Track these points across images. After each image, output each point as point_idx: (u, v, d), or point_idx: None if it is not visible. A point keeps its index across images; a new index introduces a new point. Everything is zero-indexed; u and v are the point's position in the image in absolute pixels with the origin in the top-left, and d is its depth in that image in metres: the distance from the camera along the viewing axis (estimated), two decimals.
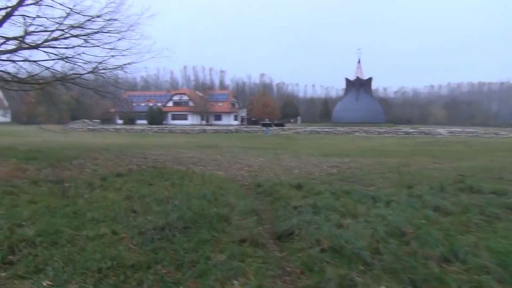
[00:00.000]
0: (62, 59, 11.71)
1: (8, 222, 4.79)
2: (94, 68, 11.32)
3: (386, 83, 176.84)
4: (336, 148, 19.86)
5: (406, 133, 35.40)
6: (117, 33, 11.96)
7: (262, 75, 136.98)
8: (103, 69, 11.62)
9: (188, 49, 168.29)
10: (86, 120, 46.19)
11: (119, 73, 13.29)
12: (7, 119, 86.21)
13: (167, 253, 4.03)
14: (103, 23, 12.06)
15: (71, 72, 11.47)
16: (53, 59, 11.88)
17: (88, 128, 41.14)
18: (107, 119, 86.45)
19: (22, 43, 12.07)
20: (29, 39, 12.24)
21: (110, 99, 15.42)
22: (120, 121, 79.27)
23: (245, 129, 42.17)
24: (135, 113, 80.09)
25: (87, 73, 11.51)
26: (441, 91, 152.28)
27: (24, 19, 11.75)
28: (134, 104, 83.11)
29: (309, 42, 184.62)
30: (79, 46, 11.34)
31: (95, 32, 11.94)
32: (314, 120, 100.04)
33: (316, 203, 6.31)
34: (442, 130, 36.14)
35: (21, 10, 11.77)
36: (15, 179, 8.20)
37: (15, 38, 12.10)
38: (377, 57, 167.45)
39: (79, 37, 12.13)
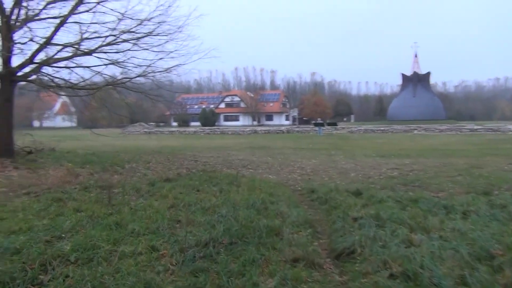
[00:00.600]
0: (113, 63, 11.75)
1: (48, 234, 4.54)
2: (143, 71, 11.23)
3: (445, 77, 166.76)
4: (394, 148, 18.55)
5: (471, 130, 32.74)
6: (165, 35, 11.83)
7: (313, 73, 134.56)
8: (152, 72, 11.51)
9: (239, 51, 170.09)
10: (142, 123, 47.74)
11: (172, 76, 13.22)
12: (74, 124, 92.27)
13: (208, 276, 3.51)
14: (152, 26, 11.98)
15: (122, 76, 11.48)
16: (105, 64, 11.98)
17: (144, 131, 42.46)
18: (163, 122, 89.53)
19: (78, 50, 12.29)
20: (83, 46, 12.46)
21: (161, 102, 15.33)
22: (175, 124, 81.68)
23: (297, 129, 41.36)
24: (188, 115, 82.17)
25: (136, 76, 11.44)
26: (507, 84, 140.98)
27: (80, 26, 11.96)
28: (188, 107, 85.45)
29: (362, 38, 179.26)
30: (128, 50, 11.30)
31: (145, 36, 11.88)
32: (368, 118, 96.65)
33: (379, 214, 5.53)
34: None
35: (75, 18, 11.99)
36: (67, 184, 8.18)
37: (71, 45, 12.35)
38: (434, 50, 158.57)
39: (129, 41, 12.13)
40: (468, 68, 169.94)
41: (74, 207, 6.04)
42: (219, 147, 20.86)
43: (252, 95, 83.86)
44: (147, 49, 11.45)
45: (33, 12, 11.49)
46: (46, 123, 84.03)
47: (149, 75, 11.64)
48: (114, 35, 12.24)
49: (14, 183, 8.43)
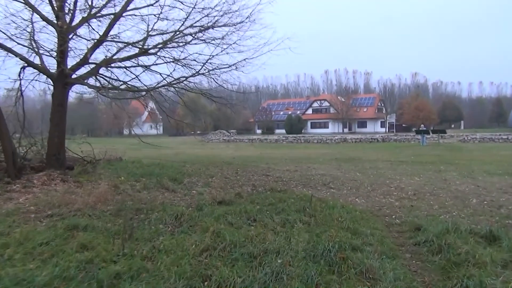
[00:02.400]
0: (174, 61, 10.77)
1: None
2: (203, 69, 9.99)
3: None
4: None
5: None
6: (232, 25, 10.50)
7: (415, 74, 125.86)
8: (214, 69, 10.23)
9: (329, 52, 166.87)
10: (223, 131, 47.99)
11: (239, 77, 11.92)
12: (159, 131, 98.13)
13: None
14: (218, 17, 10.78)
15: (179, 75, 10.40)
16: (166, 62, 11.05)
17: (224, 139, 42.45)
18: (247, 129, 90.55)
19: (142, 48, 11.58)
20: (148, 44, 11.73)
21: (229, 106, 14.14)
22: (259, 131, 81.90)
23: (394, 137, 37.84)
24: (273, 122, 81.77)
25: (195, 74, 10.25)
26: None
27: (147, 21, 11.21)
28: (273, 113, 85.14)
29: (474, 30, 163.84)
30: (187, 43, 10.19)
31: (208, 28, 10.71)
32: (482, 124, 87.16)
33: None
34: None
35: (134, 11, 11.29)
36: (101, 205, 7.16)
37: (133, 44, 11.69)
38: None
39: (193, 35, 11.06)
40: None
41: (82, 242, 4.82)
42: (300, 158, 19.13)
43: (343, 100, 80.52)
44: (209, 43, 10.22)
45: (94, 8, 11.04)
46: (135, 131, 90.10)
47: (212, 72, 10.39)
48: (180, 31, 11.31)
49: (49, 200, 7.66)
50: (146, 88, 10.66)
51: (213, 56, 9.92)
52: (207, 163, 16.08)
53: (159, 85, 10.66)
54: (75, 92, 13.29)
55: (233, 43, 9.77)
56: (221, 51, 9.87)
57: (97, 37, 11.10)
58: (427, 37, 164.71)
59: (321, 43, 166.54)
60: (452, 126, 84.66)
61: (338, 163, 16.44)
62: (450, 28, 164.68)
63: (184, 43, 10.20)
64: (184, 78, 10.39)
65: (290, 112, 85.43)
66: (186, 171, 12.95)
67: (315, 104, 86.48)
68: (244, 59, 9.88)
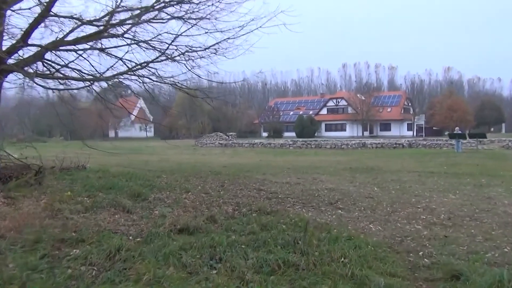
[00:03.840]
0: (137, 43, 9.61)
1: None
2: (168, 48, 8.75)
3: None
4: None
5: None
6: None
7: (448, 69, 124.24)
8: (187, 52, 9.01)
9: (349, 45, 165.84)
10: (219, 134, 46.93)
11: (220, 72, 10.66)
12: (151, 133, 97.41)
13: None
14: None
15: (143, 61, 9.20)
16: (128, 44, 9.91)
17: (220, 143, 41.37)
18: (252, 132, 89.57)
19: (107, 25, 10.47)
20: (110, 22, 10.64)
21: (212, 100, 12.94)
22: (265, 134, 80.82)
23: (423, 142, 36.45)
24: (282, 124, 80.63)
25: (159, 57, 9.03)
26: None
27: None
28: (281, 113, 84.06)
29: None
30: (153, 20, 9.02)
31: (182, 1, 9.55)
32: None
33: None
34: None
35: None
36: (16, 232, 6.02)
37: (91, 23, 10.59)
38: None
39: (164, 11, 9.92)
40: None
41: None
42: (306, 167, 17.91)
43: (363, 98, 79.23)
44: (182, 18, 9.01)
45: None
46: (122, 133, 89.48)
47: (185, 57, 9.19)
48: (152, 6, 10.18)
49: None
50: (101, 77, 9.50)
51: (182, 33, 8.70)
52: (190, 173, 14.96)
53: (119, 72, 9.49)
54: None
55: (211, 17, 8.51)
56: (191, 27, 8.66)
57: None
58: (460, 26, 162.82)
59: (338, 32, 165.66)
60: (492, 129, 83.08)
61: (352, 174, 15.20)
62: (488, 15, 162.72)
63: (152, 19, 9.02)
64: (146, 64, 9.20)
65: (301, 112, 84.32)
66: (158, 183, 11.85)
67: (331, 103, 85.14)
68: (226, 39, 8.67)
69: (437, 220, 7.72)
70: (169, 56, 8.91)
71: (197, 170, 16.42)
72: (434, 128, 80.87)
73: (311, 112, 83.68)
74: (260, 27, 8.62)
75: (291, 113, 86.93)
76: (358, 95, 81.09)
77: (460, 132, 33.31)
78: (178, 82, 9.75)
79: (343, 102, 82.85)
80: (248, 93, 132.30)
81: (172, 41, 8.68)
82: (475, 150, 28.97)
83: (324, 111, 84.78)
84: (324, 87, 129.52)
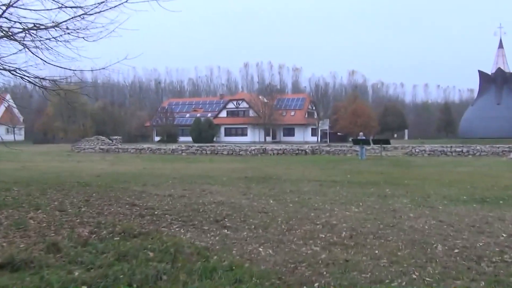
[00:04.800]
0: None
1: None
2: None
3: None
4: (493, 184, 14.43)
5: None
6: None
7: (352, 72, 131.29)
8: (34, 28, 7.58)
9: (250, 43, 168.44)
10: (101, 137, 44.46)
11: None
12: (21, 136, 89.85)
13: None
14: None
15: None
16: None
17: (101, 148, 39.11)
18: (143, 136, 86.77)
19: None
20: None
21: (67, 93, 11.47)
22: (158, 138, 78.65)
23: (327, 148, 37.41)
24: (176, 127, 79.05)
25: None
26: None
27: None
28: (176, 115, 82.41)
29: (419, 26, 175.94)
30: None
31: None
32: (428, 134, 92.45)
33: None
34: None
35: None
36: None
37: None
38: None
39: None
40: None
41: None
42: (196, 176, 17.05)
43: (266, 101, 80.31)
44: None
45: None
46: None
47: (32, 37, 7.78)
48: None
49: None
50: None
51: (16, 2, 7.27)
52: (51, 185, 13.42)
53: None
54: None
55: None
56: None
57: None
58: (365, 30, 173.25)
59: (241, 28, 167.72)
60: (395, 135, 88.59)
61: (247, 184, 14.59)
62: (392, 21, 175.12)
63: None
64: None
65: (198, 115, 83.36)
66: (2, 199, 10.24)
67: (231, 105, 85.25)
68: (81, 15, 7.42)
69: (337, 239, 7.20)
70: (5, 32, 7.43)
71: (62, 180, 14.84)
72: (338, 133, 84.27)
73: (209, 115, 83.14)
74: (126, 1, 7.53)
75: (188, 115, 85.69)
76: (261, 97, 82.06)
77: (364, 138, 34.58)
78: (19, 69, 8.20)
79: (244, 104, 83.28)
80: (139, 93, 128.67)
81: (4, 12, 7.19)
82: (379, 157, 30.13)
83: (223, 113, 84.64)
84: (225, 88, 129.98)
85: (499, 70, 65.50)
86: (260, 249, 6.54)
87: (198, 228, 7.90)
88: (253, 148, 35.25)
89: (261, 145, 44.18)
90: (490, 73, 66.84)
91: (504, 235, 7.37)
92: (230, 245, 6.72)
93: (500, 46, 67.10)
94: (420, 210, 9.77)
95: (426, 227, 8.04)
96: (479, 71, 68.30)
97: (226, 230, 7.73)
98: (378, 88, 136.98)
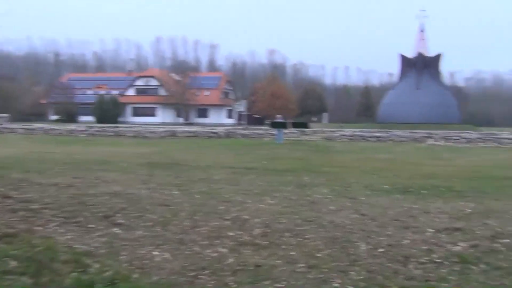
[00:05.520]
0: None
1: None
2: None
3: (453, 65, 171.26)
4: (415, 172, 14.64)
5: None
6: None
7: (272, 51, 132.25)
8: None
9: (162, 14, 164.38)
10: None
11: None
12: None
13: None
14: None
15: None
16: None
17: None
18: (39, 114, 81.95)
19: None
20: None
21: None
22: (55, 117, 74.82)
23: (243, 131, 37.05)
24: (76, 106, 75.62)
25: None
26: None
27: None
28: (77, 92, 78.73)
29: (342, 8, 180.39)
30: None
31: None
32: (348, 118, 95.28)
33: None
34: None
35: None
36: None
37: None
38: (438, 29, 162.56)
39: None
40: (483, 55, 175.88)
41: None
42: (93, 161, 15.92)
43: (178, 79, 78.79)
44: None
45: None
46: None
47: None
48: None
49: None
50: None
51: None
52: None
53: None
54: None
55: None
56: None
57: None
58: (286, 8, 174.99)
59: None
60: (314, 119, 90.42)
61: (150, 171, 13.72)
62: (314, 1, 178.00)
63: None
64: None
65: (103, 92, 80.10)
66: None
67: (140, 83, 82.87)
68: None
69: (249, 238, 6.61)
70: None
71: None
72: (255, 116, 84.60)
73: (115, 93, 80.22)
74: None
75: (90, 92, 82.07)
76: (172, 75, 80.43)
77: (282, 121, 34.52)
78: None
79: (154, 82, 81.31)
80: (35, 66, 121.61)
81: None
82: (297, 142, 30.20)
83: (131, 91, 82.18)
84: (134, 64, 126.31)
85: (419, 54, 68.37)
86: (156, 253, 5.79)
87: (82, 226, 6.99)
88: (161, 130, 34.21)
89: (172, 127, 43.07)
90: (411, 57, 69.63)
91: (430, 230, 7.12)
92: (119, 248, 5.90)
93: (421, 30, 70.03)
94: (341, 201, 9.44)
95: (348, 221, 7.65)
96: (400, 54, 70.91)
97: (116, 229, 6.89)
98: (298, 69, 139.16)
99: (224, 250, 6.02)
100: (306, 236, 6.73)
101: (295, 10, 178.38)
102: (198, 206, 8.72)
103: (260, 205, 8.90)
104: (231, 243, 6.34)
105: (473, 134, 32.59)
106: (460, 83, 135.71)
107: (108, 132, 33.65)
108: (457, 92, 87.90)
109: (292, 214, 8.11)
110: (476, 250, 6.10)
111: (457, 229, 7.13)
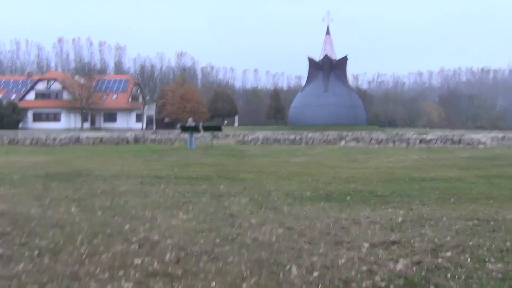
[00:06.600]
0: None
1: None
2: None
3: (356, 68, 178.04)
4: (333, 176, 14.11)
5: (421, 141, 31.04)
6: None
7: (180, 54, 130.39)
8: None
9: (65, 15, 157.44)
10: None
11: None
12: None
13: None
14: None
15: None
16: None
17: None
18: None
19: None
20: None
21: None
22: None
23: (153, 136, 35.58)
24: None
25: None
26: (432, 80, 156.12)
27: None
28: None
29: (251, 11, 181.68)
30: None
31: None
32: (259, 121, 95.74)
33: None
34: (480, 136, 32.23)
35: None
36: None
37: None
38: (341, 32, 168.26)
39: None
40: (384, 59, 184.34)
41: None
42: None
43: (83, 82, 75.19)
44: None
45: None
46: None
47: None
48: None
49: None
50: None
51: None
52: None
53: None
54: None
55: None
56: None
57: None
58: (194, 11, 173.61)
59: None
60: (225, 122, 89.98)
61: (46, 184, 12.11)
62: (223, 4, 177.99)
63: None
64: None
65: (0, 96, 74.75)
66: None
67: (41, 86, 78.26)
68: None
69: (160, 265, 5.49)
70: None
71: None
72: (166, 119, 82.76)
73: (13, 97, 75.13)
74: None
75: None
76: (77, 78, 76.68)
77: (193, 124, 33.34)
78: None
79: (57, 85, 77.15)
80: None
81: None
82: (210, 146, 29.23)
83: (31, 95, 77.34)
84: (34, 66, 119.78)
85: (326, 57, 69.72)
86: None
87: None
88: (64, 136, 31.85)
89: (76, 132, 40.55)
90: (318, 60, 70.81)
91: (365, 245, 6.35)
92: None
93: (328, 33, 71.42)
94: (262, 213, 8.52)
95: (274, 238, 6.73)
96: (308, 57, 72.00)
97: None
98: (207, 71, 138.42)
99: (128, 284, 4.89)
100: (227, 260, 5.71)
101: (203, 13, 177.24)
102: (99, 226, 7.44)
103: (173, 222, 7.77)
104: (138, 273, 5.21)
105: (382, 135, 33.24)
106: (364, 85, 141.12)
107: (2, 139, 30.81)
108: (361, 94, 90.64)
109: (209, 232, 7.07)
110: (421, 268, 5.37)
111: (394, 242, 6.42)
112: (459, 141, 30.54)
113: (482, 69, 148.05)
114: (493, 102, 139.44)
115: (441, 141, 30.63)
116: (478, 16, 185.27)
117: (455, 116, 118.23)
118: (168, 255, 5.88)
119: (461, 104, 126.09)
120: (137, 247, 6.26)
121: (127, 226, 7.39)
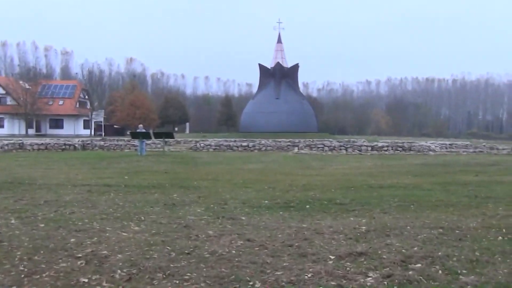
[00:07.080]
0: None
1: None
2: None
3: (306, 76, 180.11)
4: (290, 183, 13.73)
5: (373, 148, 31.20)
6: None
7: (130, 60, 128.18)
8: None
9: (8, 19, 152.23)
10: None
11: None
12: None
13: None
14: None
15: None
16: None
17: None
18: None
19: None
20: None
21: None
22: None
23: (101, 142, 34.39)
24: None
25: None
26: (379, 89, 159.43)
27: None
28: None
29: (200, 18, 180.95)
30: None
31: None
32: (210, 127, 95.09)
33: None
34: (430, 143, 32.80)
35: None
36: None
37: None
38: (292, 40, 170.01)
39: None
40: (333, 68, 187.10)
41: None
42: None
43: (28, 87, 72.48)
44: None
45: None
46: None
47: None
48: None
49: None
50: None
51: None
52: None
53: None
54: None
55: None
56: None
57: None
58: (143, 17, 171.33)
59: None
60: (176, 129, 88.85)
61: None
62: (171, 11, 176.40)
63: None
64: None
65: None
66: None
67: None
68: None
69: (109, 285, 4.97)
70: None
71: None
72: (115, 126, 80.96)
73: None
74: None
75: None
76: (21, 83, 73.88)
77: (144, 131, 32.45)
78: None
79: (0, 91, 74.00)
80: None
81: None
82: (161, 153, 28.48)
83: None
84: None
85: (277, 64, 69.83)
86: None
87: None
88: (6, 143, 30.21)
89: (20, 139, 38.76)
90: (269, 67, 70.85)
91: (331, 257, 5.98)
92: None
93: (279, 41, 71.67)
94: (220, 223, 8.03)
95: (234, 251, 6.26)
96: (259, 64, 71.81)
97: None
98: (158, 78, 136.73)
99: None
100: (185, 277, 5.21)
101: (151, 19, 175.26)
102: (41, 239, 6.77)
103: (123, 234, 7.17)
104: None
105: (335, 142, 33.27)
106: (314, 93, 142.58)
107: None
108: (312, 102, 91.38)
109: (163, 245, 6.52)
110: (392, 282, 5.03)
111: (361, 254, 6.07)
112: (410, 148, 30.95)
113: (427, 79, 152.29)
114: (438, 110, 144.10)
115: (392, 148, 30.95)
116: (421, 27, 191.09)
117: (402, 124, 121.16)
118: (118, 273, 5.32)
119: (408, 112, 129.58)
120: (83, 263, 5.66)
121: (72, 240, 6.75)
